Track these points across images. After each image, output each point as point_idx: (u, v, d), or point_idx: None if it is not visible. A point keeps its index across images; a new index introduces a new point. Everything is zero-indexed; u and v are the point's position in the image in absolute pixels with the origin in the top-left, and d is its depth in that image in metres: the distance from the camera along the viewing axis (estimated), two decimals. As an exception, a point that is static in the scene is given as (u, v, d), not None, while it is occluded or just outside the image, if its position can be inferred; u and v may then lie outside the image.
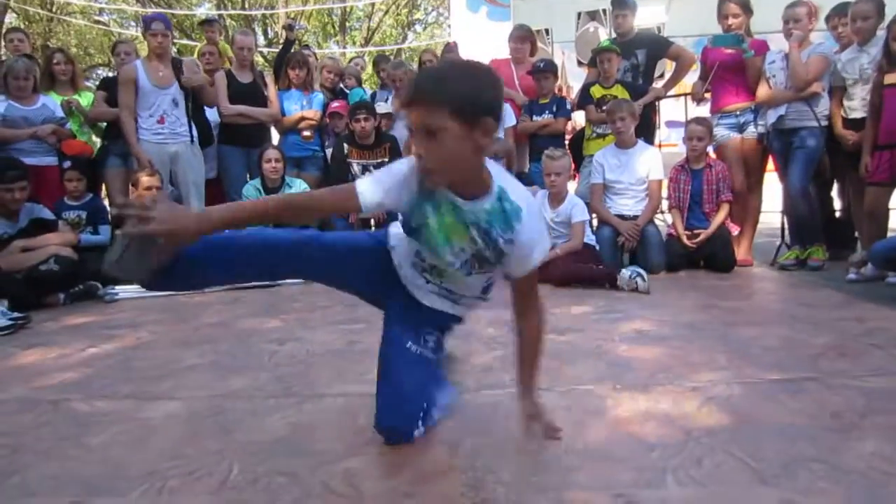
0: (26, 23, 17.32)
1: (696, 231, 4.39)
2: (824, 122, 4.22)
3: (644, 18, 6.89)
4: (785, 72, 4.27)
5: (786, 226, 4.62)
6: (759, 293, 3.69)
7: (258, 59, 7.28)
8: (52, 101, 4.84)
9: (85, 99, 5.12)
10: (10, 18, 17.15)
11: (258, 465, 1.55)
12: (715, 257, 4.31)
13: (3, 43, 6.66)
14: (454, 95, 1.33)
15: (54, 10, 17.74)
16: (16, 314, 3.33)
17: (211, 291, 4.21)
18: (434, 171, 1.42)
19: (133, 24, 20.34)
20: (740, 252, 4.49)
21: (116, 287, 4.13)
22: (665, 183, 4.68)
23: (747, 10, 4.53)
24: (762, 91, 4.40)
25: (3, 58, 5.31)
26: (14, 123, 4.56)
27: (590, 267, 3.97)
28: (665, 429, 1.66)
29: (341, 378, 2.22)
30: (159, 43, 4.69)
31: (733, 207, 4.47)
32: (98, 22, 19.34)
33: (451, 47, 6.03)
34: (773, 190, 5.03)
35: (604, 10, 7.70)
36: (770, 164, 4.69)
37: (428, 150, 1.38)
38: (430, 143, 1.37)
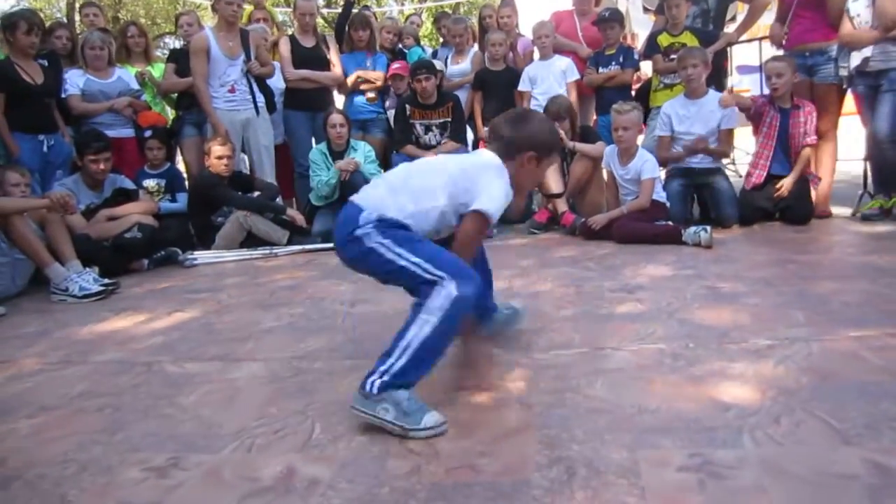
0: (96, -5, 17.86)
1: (778, 178, 4.17)
2: (917, 63, 3.92)
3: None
4: (870, 10, 3.96)
5: (868, 173, 4.36)
6: (839, 246, 3.52)
7: (319, 20, 7.26)
8: (128, 74, 5.02)
9: (157, 70, 5.30)
10: (82, -10, 17.72)
11: (339, 423, 1.63)
12: (791, 208, 4.12)
13: (78, 18, 6.90)
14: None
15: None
16: (106, 280, 3.55)
17: (282, 254, 4.37)
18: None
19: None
20: (819, 202, 4.27)
21: (195, 252, 4.32)
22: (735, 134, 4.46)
23: None
24: (845, 31, 4.09)
25: (79, 32, 5.51)
26: (93, 97, 4.76)
27: (652, 225, 3.88)
28: (740, 388, 1.64)
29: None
30: (234, 12, 4.73)
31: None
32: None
33: (507, 1, 5.89)
34: (848, 137, 4.73)
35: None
36: (846, 110, 4.40)
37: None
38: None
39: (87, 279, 3.48)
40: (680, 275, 2.98)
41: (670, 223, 3.95)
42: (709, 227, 3.59)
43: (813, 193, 4.24)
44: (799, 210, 4.09)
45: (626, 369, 1.84)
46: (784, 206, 4.16)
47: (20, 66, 4.21)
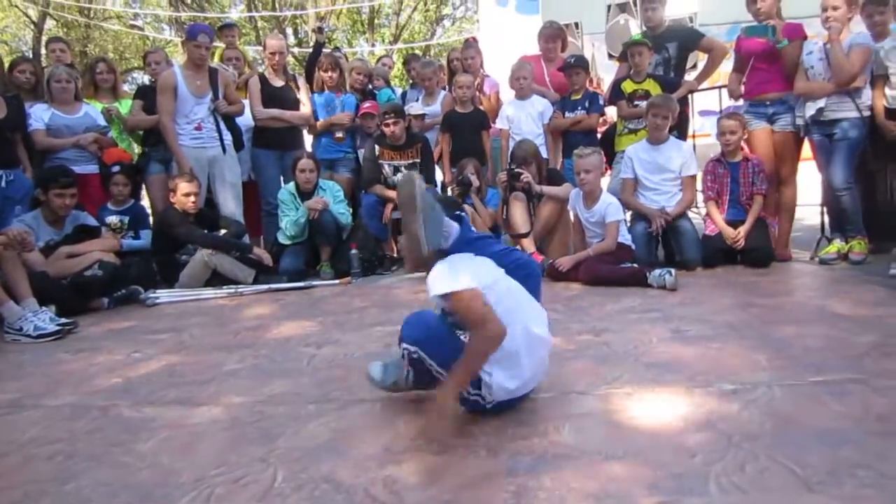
0: (65, 29, 17.77)
1: (736, 224, 4.30)
2: (866, 113, 4.10)
3: (675, 9, 6.80)
4: (824, 62, 4.15)
5: (826, 218, 4.51)
6: (799, 289, 3.62)
7: (289, 59, 7.37)
8: (94, 110, 4.96)
9: (124, 106, 5.25)
10: (50, 25, 17.65)
11: (301, 471, 1.59)
12: (753, 252, 4.22)
13: (45, 53, 6.84)
14: None
15: (91, 15, 18.16)
16: (63, 320, 3.45)
17: (248, 293, 4.31)
18: None
19: (166, 27, 20.77)
20: (778, 246, 4.40)
21: (157, 291, 4.23)
22: (700, 176, 4.60)
23: None
24: (800, 83, 4.28)
25: (46, 66, 5.46)
26: (58, 132, 4.69)
27: (617, 268, 3.94)
28: (706, 433, 1.65)
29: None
30: (202, 55, 4.77)
31: (767, 200, 4.38)
32: (133, 27, 19.74)
33: (470, 42, 6.03)
34: (808, 181, 4.91)
35: (634, 2, 7.63)
36: (804, 156, 4.57)
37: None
38: None
39: (44, 318, 3.37)
40: (645, 317, 3.01)
41: (636, 265, 4.02)
42: (673, 270, 3.66)
43: (772, 238, 4.36)
44: (759, 253, 4.19)
45: (593, 414, 1.84)
46: (746, 249, 4.27)
47: (-20, 102, 4.14)
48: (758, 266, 4.14)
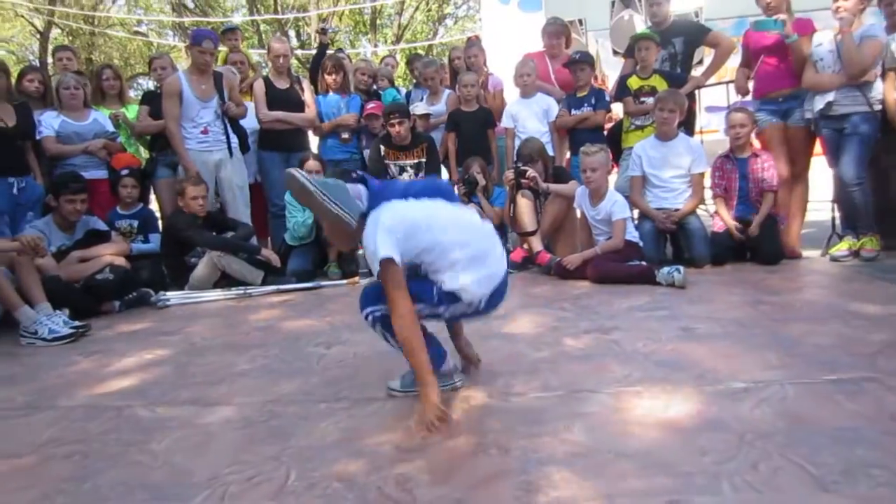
0: (70, 37, 17.88)
1: (745, 222, 4.29)
2: (877, 107, 4.07)
3: (680, 4, 6.77)
4: (833, 55, 4.12)
5: (836, 215, 4.49)
6: (810, 287, 3.60)
7: (293, 61, 7.37)
8: (103, 116, 5.00)
9: (131, 112, 5.28)
10: (55, 33, 17.76)
11: (314, 470, 1.60)
12: (762, 249, 4.21)
13: (51, 61, 6.90)
14: None
15: (96, 23, 18.26)
16: (76, 323, 3.47)
17: (256, 294, 4.33)
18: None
19: (170, 33, 20.84)
20: (788, 243, 4.38)
21: (167, 293, 4.26)
22: (708, 173, 4.59)
23: None
24: (808, 76, 4.25)
25: (52, 74, 5.51)
26: (67, 139, 4.74)
27: (626, 265, 3.94)
28: (718, 432, 1.65)
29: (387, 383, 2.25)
30: (206, 60, 4.80)
31: (779, 197, 4.36)
32: (137, 33, 19.84)
33: (473, 41, 6.02)
34: (820, 177, 4.89)
35: (639, -3, 7.60)
36: (816, 151, 4.55)
37: None
38: None
39: (57, 322, 3.40)
40: (654, 315, 3.01)
41: (644, 263, 4.01)
42: (682, 268, 3.65)
43: (782, 235, 4.34)
44: (768, 250, 4.18)
45: (603, 413, 1.84)
46: (754, 247, 4.25)
47: (-8, 110, 4.20)
48: (768, 263, 4.13)
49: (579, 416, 1.82)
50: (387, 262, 1.85)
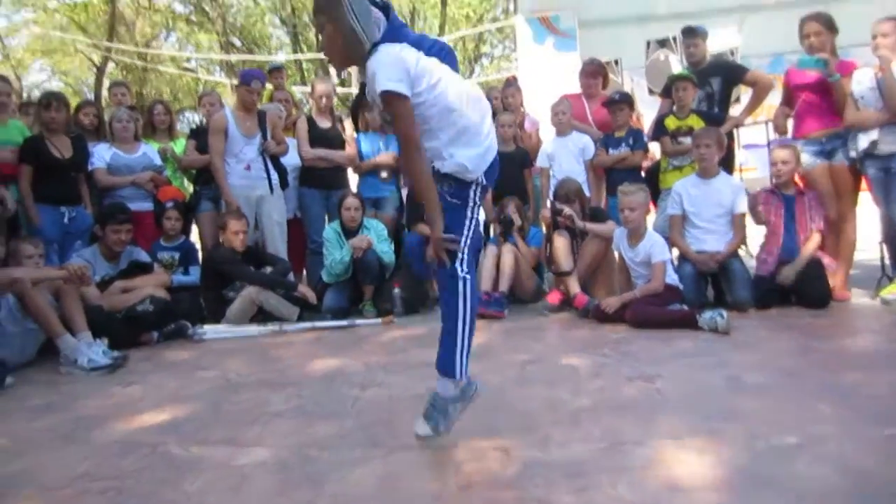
0: (124, 72, 18.66)
1: (789, 263, 4.15)
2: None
3: (717, 42, 6.74)
4: (875, 92, 4.03)
5: (886, 256, 4.33)
6: (862, 332, 3.46)
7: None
8: (152, 149, 5.16)
9: (178, 146, 5.44)
10: (110, 67, 18.56)
11: (349, 519, 1.56)
12: (808, 292, 4.05)
13: (106, 95, 7.18)
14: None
15: (148, 59, 19.03)
16: (115, 353, 3.52)
17: (292, 331, 4.33)
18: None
19: (218, 69, 21.56)
20: (836, 285, 4.22)
21: (205, 326, 4.30)
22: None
23: (831, 29, 4.30)
24: (850, 114, 4.15)
25: (105, 106, 5.74)
26: (118, 171, 4.89)
27: (666, 310, 3.84)
28: (771, 491, 1.57)
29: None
30: (253, 99, 4.94)
31: (826, 238, 4.23)
32: (186, 69, 20.59)
33: (510, 81, 6.06)
34: (867, 216, 4.73)
35: (674, 38, 7.59)
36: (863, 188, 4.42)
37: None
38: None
39: (97, 351, 3.44)
40: (699, 362, 2.91)
41: (685, 307, 3.90)
42: (725, 312, 3.53)
43: (830, 277, 4.19)
44: (815, 293, 4.02)
45: (649, 467, 1.77)
46: (800, 289, 4.11)
47: (51, 142, 4.40)
48: (815, 307, 3.97)
49: (624, 470, 1.75)
50: (397, 97, 1.85)
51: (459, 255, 1.98)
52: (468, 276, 1.98)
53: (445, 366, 1.99)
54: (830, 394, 2.30)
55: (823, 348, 3.04)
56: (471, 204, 2.02)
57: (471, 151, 1.96)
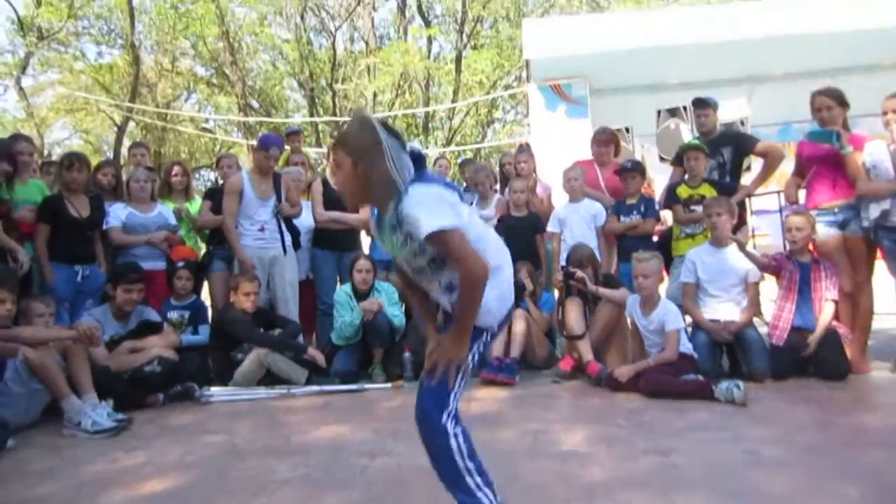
0: (144, 131, 19.17)
1: (803, 332, 4.10)
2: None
3: (726, 112, 6.86)
4: (887, 164, 4.05)
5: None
6: (884, 406, 3.36)
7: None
8: (167, 209, 5.24)
9: (193, 206, 5.52)
10: (131, 126, 19.09)
11: None
12: (826, 363, 3.97)
13: (126, 154, 7.36)
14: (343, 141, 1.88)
15: (168, 119, 19.57)
16: (120, 416, 3.47)
17: (300, 394, 4.27)
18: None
19: (235, 129, 22.12)
20: (854, 357, 4.13)
21: (212, 388, 4.25)
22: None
23: (842, 104, 4.37)
24: (862, 184, 4.15)
25: (123, 164, 5.87)
26: (133, 230, 4.95)
27: (680, 380, 3.77)
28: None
29: (435, 502, 2.14)
30: (271, 165, 5.03)
31: (842, 309, 4.18)
32: (205, 129, 21.13)
33: (523, 147, 6.17)
34: (883, 286, 4.68)
35: (684, 107, 7.75)
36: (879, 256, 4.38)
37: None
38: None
39: (101, 414, 3.40)
40: (715, 436, 2.83)
41: (699, 377, 3.83)
42: (741, 384, 3.46)
43: (847, 348, 4.11)
44: (833, 365, 3.94)
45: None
46: (818, 360, 4.03)
47: (69, 201, 4.48)
48: (833, 379, 3.87)
49: (642, 554, 1.68)
50: (448, 232, 1.72)
51: (447, 406, 1.78)
52: (458, 431, 1.78)
53: None
54: (856, 473, 2.23)
55: (845, 423, 2.96)
56: (473, 349, 1.86)
57: (494, 293, 1.85)
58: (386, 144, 1.78)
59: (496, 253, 1.91)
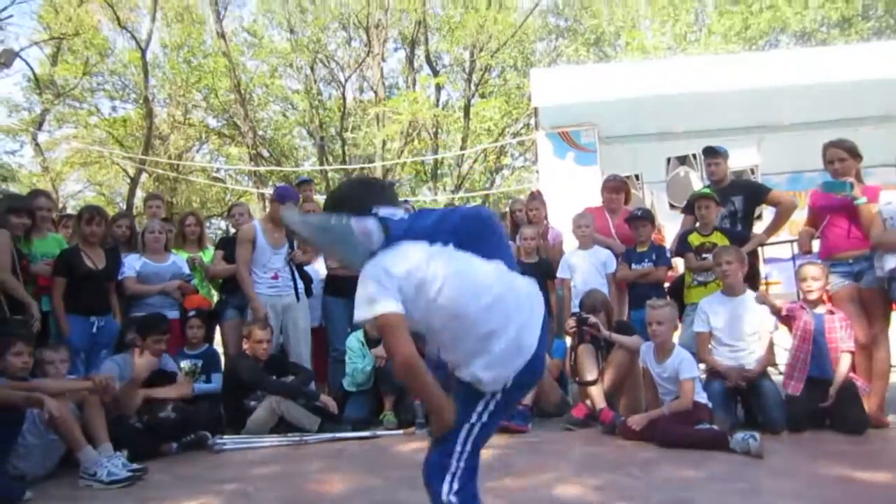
0: (156, 182, 19.51)
1: (819, 382, 4.05)
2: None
3: (737, 160, 6.93)
4: None
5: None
6: (903, 461, 3.31)
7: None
8: (181, 259, 5.32)
9: (207, 256, 5.60)
10: (143, 178, 19.44)
11: None
12: (844, 416, 3.91)
13: (140, 206, 7.50)
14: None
15: (179, 169, 19.93)
16: (135, 466, 3.48)
17: (312, 441, 4.26)
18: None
19: (246, 178, 22.47)
20: (872, 410, 4.07)
21: (224, 437, 4.25)
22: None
23: (854, 155, 4.38)
24: (877, 233, 4.14)
25: (136, 215, 5.98)
26: (147, 279, 5.02)
27: (695, 430, 3.74)
28: None
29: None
30: None
31: (857, 361, 4.14)
32: (216, 179, 21.48)
33: (535, 195, 6.25)
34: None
35: (693, 155, 7.82)
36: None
37: None
38: None
39: (116, 464, 3.41)
40: (733, 488, 2.80)
41: (714, 427, 3.80)
42: (758, 435, 3.43)
43: (865, 401, 4.06)
44: (853, 418, 3.87)
45: None
46: (836, 414, 3.98)
47: (86, 253, 4.56)
48: (851, 433, 3.81)
49: None
50: (380, 318, 1.67)
51: (450, 468, 1.75)
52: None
53: None
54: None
55: (865, 479, 2.91)
56: (479, 410, 1.78)
57: (480, 361, 1.75)
58: (313, 235, 1.87)
59: (490, 313, 1.73)
